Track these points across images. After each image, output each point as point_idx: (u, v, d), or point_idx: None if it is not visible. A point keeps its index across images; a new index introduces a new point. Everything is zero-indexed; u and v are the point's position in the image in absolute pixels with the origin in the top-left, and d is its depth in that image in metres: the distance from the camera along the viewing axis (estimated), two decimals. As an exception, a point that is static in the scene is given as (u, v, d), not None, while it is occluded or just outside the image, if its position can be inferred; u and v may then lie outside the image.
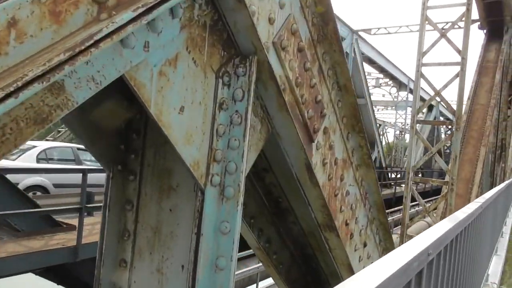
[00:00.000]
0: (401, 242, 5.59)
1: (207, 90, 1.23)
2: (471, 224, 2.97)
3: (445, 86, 5.50)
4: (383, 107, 37.47)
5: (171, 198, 1.41)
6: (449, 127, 33.25)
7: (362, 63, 17.51)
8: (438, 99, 5.85)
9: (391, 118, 37.12)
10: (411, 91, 26.71)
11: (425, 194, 19.28)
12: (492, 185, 12.27)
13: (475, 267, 3.84)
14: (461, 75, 5.31)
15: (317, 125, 1.80)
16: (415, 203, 17.11)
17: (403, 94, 26.78)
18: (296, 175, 1.80)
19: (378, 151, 19.52)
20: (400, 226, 6.44)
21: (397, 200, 19.65)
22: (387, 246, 2.86)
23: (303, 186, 1.86)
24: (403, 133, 41.55)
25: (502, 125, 14.64)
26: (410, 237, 5.67)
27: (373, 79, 26.09)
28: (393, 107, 29.41)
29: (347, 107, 2.07)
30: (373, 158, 19.68)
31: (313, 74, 1.75)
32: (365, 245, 2.58)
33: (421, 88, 19.90)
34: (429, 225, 12.31)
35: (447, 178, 5.59)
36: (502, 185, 6.42)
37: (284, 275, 2.67)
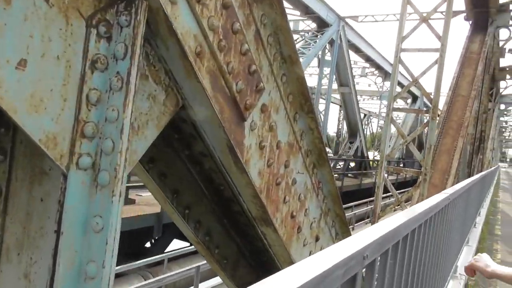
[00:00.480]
0: (371, 233, 5.43)
1: (70, 42, 0.92)
2: (436, 216, 2.77)
3: (424, 73, 5.26)
4: (369, 97, 37.45)
5: (43, 184, 1.11)
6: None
7: (348, 51, 17.23)
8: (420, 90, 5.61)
9: (377, 109, 37.16)
10: (399, 84, 26.67)
11: (405, 184, 19.35)
12: (469, 176, 12.25)
13: (441, 260, 3.66)
14: (440, 62, 5.08)
15: (250, 101, 1.51)
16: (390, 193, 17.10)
17: (388, 84, 26.70)
18: (219, 158, 1.52)
19: (360, 141, 19.40)
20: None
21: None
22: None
23: (228, 172, 1.58)
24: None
25: (482, 117, 14.62)
26: (381, 228, 5.52)
27: (359, 68, 25.90)
28: (379, 97, 29.34)
29: (293, 82, 1.79)
30: (355, 147, 19.59)
31: (246, 39, 1.45)
32: (317, 239, 2.33)
33: (401, 74, 19.74)
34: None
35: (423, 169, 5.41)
36: (476, 176, 6.28)
37: (229, 272, 2.40)
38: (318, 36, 14.85)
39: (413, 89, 24.69)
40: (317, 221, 2.32)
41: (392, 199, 13.99)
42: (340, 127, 31.89)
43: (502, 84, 22.05)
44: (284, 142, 1.84)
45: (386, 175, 16.42)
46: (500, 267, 1.97)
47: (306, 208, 2.16)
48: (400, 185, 19.19)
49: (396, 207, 5.25)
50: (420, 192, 5.11)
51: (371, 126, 41.80)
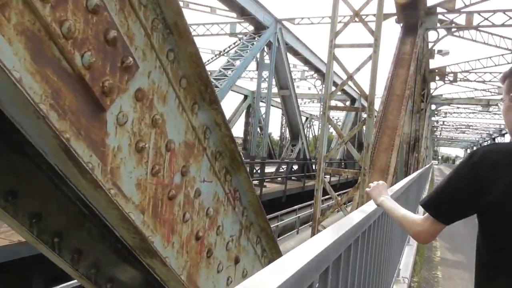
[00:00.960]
0: (312, 239, 5.14)
1: None
2: (376, 222, 2.47)
3: (358, 69, 5.08)
4: (309, 100, 38.07)
5: None
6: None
7: (286, 54, 17.19)
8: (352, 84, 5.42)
9: (318, 111, 37.85)
10: (334, 84, 27.26)
11: (349, 185, 19.62)
12: (406, 174, 12.54)
13: (383, 267, 3.39)
14: (374, 58, 4.90)
15: (111, 83, 1.05)
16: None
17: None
18: (58, 167, 1.04)
19: (302, 143, 19.44)
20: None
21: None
22: (273, 257, 2.22)
23: (77, 187, 1.10)
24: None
25: (416, 117, 15.15)
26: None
27: (298, 71, 26.15)
28: (319, 100, 29.82)
29: (186, 62, 1.35)
30: (297, 150, 19.58)
31: (96, -8, 0.99)
32: (237, 260, 1.89)
33: (337, 75, 20.10)
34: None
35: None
36: (414, 174, 6.22)
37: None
38: (256, 39, 14.62)
39: (351, 91, 25.36)
40: (236, 239, 1.89)
41: (331, 202, 14.12)
42: (283, 130, 32.06)
43: (432, 85, 23.22)
44: (179, 141, 1.39)
45: (327, 176, 16.49)
46: (387, 201, 1.90)
47: (219, 225, 1.72)
48: (343, 186, 19.43)
49: (336, 210, 5.00)
50: (360, 193, 4.88)
51: (313, 129, 42.56)
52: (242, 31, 16.14)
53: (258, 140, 35.85)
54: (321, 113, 5.11)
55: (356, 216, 1.89)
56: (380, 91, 10.90)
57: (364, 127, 5.38)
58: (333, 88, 5.46)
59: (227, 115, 33.20)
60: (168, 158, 1.33)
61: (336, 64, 5.31)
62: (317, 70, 24.30)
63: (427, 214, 1.42)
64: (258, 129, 18.12)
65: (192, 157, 1.47)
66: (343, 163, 26.58)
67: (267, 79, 15.93)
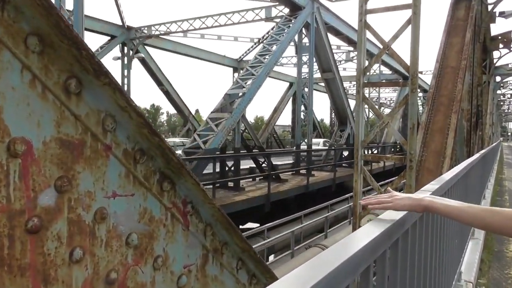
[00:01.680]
0: (353, 237, 4.46)
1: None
2: (418, 223, 1.81)
3: (396, 36, 4.29)
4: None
5: None
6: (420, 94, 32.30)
7: (326, 34, 16.24)
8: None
9: (369, 94, 36.11)
10: (383, 63, 25.62)
11: (399, 172, 18.34)
12: (469, 155, 11.27)
13: (437, 270, 2.71)
14: (414, 20, 4.09)
15: None
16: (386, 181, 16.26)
17: (375, 66, 25.71)
18: None
19: (351, 128, 18.42)
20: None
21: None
22: (268, 282, 1.65)
23: None
24: (382, 108, 40.76)
25: (477, 91, 13.63)
26: (364, 230, 4.55)
27: (343, 52, 24.89)
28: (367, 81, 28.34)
29: (31, 8, 0.82)
30: (346, 135, 18.59)
31: None
32: (203, 300, 1.36)
33: (373, 43, 18.56)
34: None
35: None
36: (475, 156, 5.31)
37: None
38: (292, 21, 13.86)
39: (402, 69, 23.70)
40: (198, 268, 1.34)
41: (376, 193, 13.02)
42: (333, 116, 30.92)
43: (496, 54, 21.04)
44: (44, 139, 0.87)
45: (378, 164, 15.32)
46: (438, 200, 1.32)
47: (158, 255, 1.18)
48: (390, 173, 18.12)
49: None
50: (407, 182, 4.13)
51: (366, 112, 40.80)
52: (278, 14, 15.41)
53: (304, 128, 35.08)
54: (356, 91, 4.39)
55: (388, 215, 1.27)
56: (430, 64, 9.80)
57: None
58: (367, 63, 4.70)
59: (274, 105, 32.68)
60: (18, 168, 0.82)
61: (370, 34, 4.56)
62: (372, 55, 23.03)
63: None
64: (302, 116, 17.34)
65: (80, 161, 0.94)
66: (393, 148, 25.08)
67: (308, 63, 15.12)
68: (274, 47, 12.77)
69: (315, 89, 35.07)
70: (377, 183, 4.36)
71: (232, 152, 11.56)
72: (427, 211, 1.34)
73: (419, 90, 33.60)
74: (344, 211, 12.83)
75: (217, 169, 11.74)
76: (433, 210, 1.30)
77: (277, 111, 33.16)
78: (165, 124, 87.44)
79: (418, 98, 33.05)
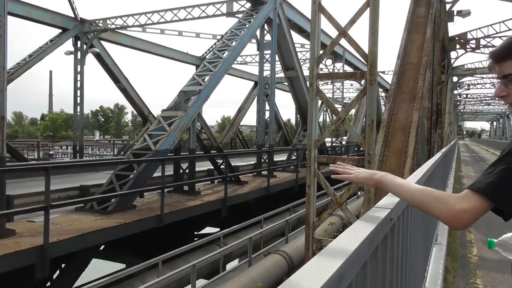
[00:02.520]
0: (307, 251, 3.91)
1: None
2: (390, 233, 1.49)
3: (353, 21, 3.81)
4: (323, 82, 36.50)
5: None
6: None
7: (289, 31, 15.81)
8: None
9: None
10: (347, 62, 25.58)
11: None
12: (429, 155, 11.11)
13: (408, 282, 2.25)
14: (373, 2, 3.61)
15: None
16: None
17: (339, 65, 25.65)
18: None
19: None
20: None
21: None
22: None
23: None
24: (342, 106, 40.98)
25: (436, 89, 13.60)
26: (319, 242, 4.02)
27: (307, 51, 24.63)
28: (332, 81, 28.26)
29: None
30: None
31: None
32: None
33: (324, 32, 18.25)
34: (343, 223, 10.47)
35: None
36: (437, 155, 4.92)
37: None
38: (254, 16, 13.32)
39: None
40: None
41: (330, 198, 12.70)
42: (297, 115, 30.63)
43: (453, 55, 21.38)
44: None
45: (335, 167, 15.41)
46: (389, 176, 1.42)
47: None
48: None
49: (334, 210, 3.76)
50: (365, 186, 3.64)
51: (329, 112, 40.94)
52: (240, 9, 14.83)
53: (275, 128, 34.56)
54: (309, 84, 3.85)
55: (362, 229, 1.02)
56: (391, 64, 9.53)
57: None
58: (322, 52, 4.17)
59: (239, 104, 32.05)
60: None
61: (326, 21, 4.04)
62: (337, 56, 22.87)
63: (468, 190, 1.13)
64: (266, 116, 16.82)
65: None
66: (354, 148, 25.09)
67: (269, 60, 14.62)
68: (234, 43, 12.17)
69: (281, 89, 34.80)
70: (332, 188, 3.85)
71: (187, 153, 10.84)
72: (377, 185, 1.42)
73: (381, 90, 33.92)
74: (321, 205, 12.39)
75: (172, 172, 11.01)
76: (381, 184, 1.38)
77: (241, 110, 32.56)
78: (130, 124, 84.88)
79: (381, 98, 33.38)
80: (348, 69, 28.17)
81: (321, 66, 28.77)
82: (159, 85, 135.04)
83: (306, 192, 3.82)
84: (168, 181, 10.81)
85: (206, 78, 10.76)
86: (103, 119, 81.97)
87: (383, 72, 32.67)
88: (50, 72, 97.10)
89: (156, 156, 8.64)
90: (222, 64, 11.25)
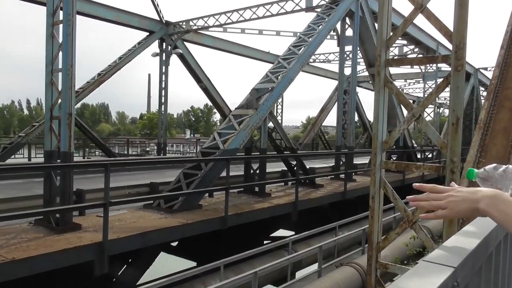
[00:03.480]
0: (369, 276, 3.19)
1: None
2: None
3: (434, -6, 3.02)
4: (413, 81, 33.92)
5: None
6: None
7: (374, 24, 14.66)
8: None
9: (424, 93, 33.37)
10: (410, 39, 22.92)
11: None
12: (541, 162, 9.37)
13: None
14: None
15: None
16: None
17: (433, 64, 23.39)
18: None
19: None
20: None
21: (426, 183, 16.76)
22: None
23: None
24: (439, 108, 37.66)
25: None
26: (384, 267, 3.27)
27: (396, 47, 22.92)
28: (423, 79, 25.99)
29: None
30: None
31: None
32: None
33: (395, 11, 16.19)
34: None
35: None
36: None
37: None
38: (334, 9, 12.52)
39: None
40: None
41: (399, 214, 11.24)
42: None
43: None
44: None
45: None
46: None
47: None
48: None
49: (407, 228, 3.01)
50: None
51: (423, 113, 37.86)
52: (320, 3, 14.12)
53: (357, 130, 32.95)
54: (375, 72, 3.15)
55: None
56: (492, 51, 8.15)
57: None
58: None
59: (321, 104, 31.12)
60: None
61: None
62: (418, 43, 20.96)
63: None
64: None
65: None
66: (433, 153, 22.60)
67: (350, 56, 13.70)
68: (311, 38, 11.52)
69: (367, 88, 33.05)
70: (402, 202, 3.11)
71: (258, 153, 10.47)
72: (483, 215, 1.01)
73: (482, 89, 30.40)
74: (388, 221, 11.27)
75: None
76: (489, 215, 0.99)
77: (324, 110, 31.62)
78: (218, 123, 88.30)
79: (482, 98, 29.95)
80: (441, 65, 25.62)
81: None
82: (240, 84, 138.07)
83: (369, 205, 3.14)
84: (239, 181, 10.57)
85: (280, 75, 10.29)
86: (193, 119, 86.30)
87: (485, 69, 29.27)
88: (149, 75, 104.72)
89: (224, 155, 8.38)
90: (297, 60, 10.68)
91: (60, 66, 5.98)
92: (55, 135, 5.98)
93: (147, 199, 7.55)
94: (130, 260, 7.21)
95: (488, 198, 0.99)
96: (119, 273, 6.97)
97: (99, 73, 16.36)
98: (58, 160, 5.98)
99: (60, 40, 6.00)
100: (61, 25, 5.92)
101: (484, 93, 31.64)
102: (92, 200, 7.03)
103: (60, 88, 5.94)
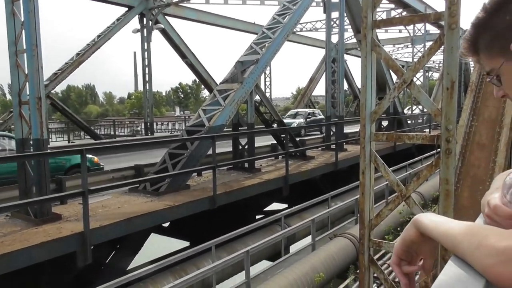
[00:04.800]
0: (362, 255, 2.97)
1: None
2: None
3: None
4: (401, 46, 33.46)
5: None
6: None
7: (360, -12, 14.11)
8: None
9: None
10: (398, 2, 22.48)
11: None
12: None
13: None
14: None
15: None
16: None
17: (420, 25, 22.98)
18: None
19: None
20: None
21: (417, 150, 16.72)
22: None
23: None
24: (427, 71, 37.39)
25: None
26: (378, 245, 3.05)
27: (383, 11, 22.37)
28: (411, 43, 25.55)
29: None
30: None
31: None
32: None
33: None
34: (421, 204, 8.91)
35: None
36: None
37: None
38: (317, -27, 11.98)
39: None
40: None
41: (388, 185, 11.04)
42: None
43: None
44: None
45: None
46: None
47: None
48: (408, 155, 15.86)
49: (400, 203, 2.77)
50: (442, 175, 2.61)
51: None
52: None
53: (347, 98, 32.60)
54: (361, 34, 2.85)
55: None
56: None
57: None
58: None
59: (309, 74, 30.63)
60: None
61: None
62: (405, 6, 20.40)
63: None
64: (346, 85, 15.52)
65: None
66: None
67: (337, 22, 13.25)
68: (296, 6, 11.04)
69: (356, 55, 32.51)
70: (394, 176, 2.87)
71: (245, 128, 10.17)
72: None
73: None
74: (381, 189, 11.15)
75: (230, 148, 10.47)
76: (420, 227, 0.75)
77: (313, 80, 31.22)
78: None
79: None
80: (431, 27, 25.14)
81: (401, 27, 25.81)
82: (227, 58, 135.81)
83: (360, 180, 2.90)
84: (228, 158, 10.32)
85: (265, 46, 9.87)
86: (182, 96, 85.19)
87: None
88: (134, 53, 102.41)
89: (210, 132, 8.08)
90: (282, 29, 10.25)
91: (24, 46, 5.55)
92: (25, 121, 5.62)
93: (131, 184, 7.27)
94: (118, 246, 7.01)
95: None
96: (106, 261, 6.77)
97: (77, 53, 15.73)
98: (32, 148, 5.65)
99: (22, 18, 5.54)
100: (21, 1, 5.45)
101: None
102: (75, 188, 6.74)
103: (26, 70, 5.53)
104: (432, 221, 0.73)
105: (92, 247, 5.33)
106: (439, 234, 0.70)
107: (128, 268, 7.15)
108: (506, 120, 5.42)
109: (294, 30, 16.08)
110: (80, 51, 15.80)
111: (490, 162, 4.72)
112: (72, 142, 18.91)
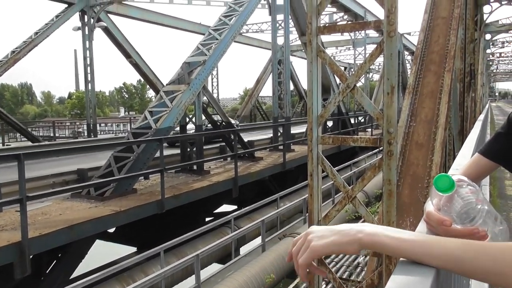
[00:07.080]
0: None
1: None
2: None
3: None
4: (344, 48, 34.71)
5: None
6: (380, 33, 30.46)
7: (304, -8, 14.48)
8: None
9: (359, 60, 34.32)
10: (340, 7, 23.50)
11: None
12: (462, 122, 9.96)
13: None
14: None
15: None
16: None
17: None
18: None
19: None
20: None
21: (360, 149, 17.46)
22: None
23: None
24: (368, 73, 39.08)
25: (469, 48, 12.18)
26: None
27: (326, 14, 23.09)
28: (353, 45, 26.61)
29: None
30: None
31: None
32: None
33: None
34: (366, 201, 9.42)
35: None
36: (477, 127, 3.94)
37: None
38: (263, -24, 12.14)
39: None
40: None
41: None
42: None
43: (486, 9, 19.39)
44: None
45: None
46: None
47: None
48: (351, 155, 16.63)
49: (347, 204, 2.91)
50: (385, 175, 2.77)
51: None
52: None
53: (293, 99, 33.20)
54: (307, 40, 2.93)
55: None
56: (417, 24, 8.34)
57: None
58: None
59: (256, 75, 30.96)
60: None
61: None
62: (346, 10, 21.24)
63: None
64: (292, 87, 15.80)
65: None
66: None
67: (282, 25, 13.49)
68: (242, 8, 11.10)
69: (299, 57, 33.28)
70: (341, 178, 2.99)
71: (193, 131, 10.07)
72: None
73: (406, 53, 31.86)
74: (327, 188, 11.51)
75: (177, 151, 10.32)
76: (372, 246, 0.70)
77: (260, 81, 31.51)
78: (154, 99, 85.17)
79: (407, 62, 31.44)
80: (371, 32, 26.35)
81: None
82: (174, 58, 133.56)
83: (308, 183, 3.00)
84: (176, 160, 10.16)
85: (212, 48, 9.83)
86: (127, 96, 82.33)
87: (409, 34, 30.61)
88: (75, 51, 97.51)
89: (157, 135, 7.92)
90: (229, 31, 10.27)
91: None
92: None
93: (73, 189, 6.94)
94: (60, 255, 6.66)
95: (364, 227, 0.74)
96: (47, 271, 6.41)
97: (12, 51, 14.74)
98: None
99: None
100: None
101: (409, 57, 33.27)
102: (11, 194, 6.31)
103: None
104: (405, 240, 0.67)
105: (31, 257, 5.02)
106: (433, 258, 0.65)
107: (72, 277, 6.82)
108: (441, 120, 5.82)
109: (241, 31, 16.17)
110: (16, 48, 14.82)
111: (427, 160, 5.04)
112: (7, 145, 17.66)
